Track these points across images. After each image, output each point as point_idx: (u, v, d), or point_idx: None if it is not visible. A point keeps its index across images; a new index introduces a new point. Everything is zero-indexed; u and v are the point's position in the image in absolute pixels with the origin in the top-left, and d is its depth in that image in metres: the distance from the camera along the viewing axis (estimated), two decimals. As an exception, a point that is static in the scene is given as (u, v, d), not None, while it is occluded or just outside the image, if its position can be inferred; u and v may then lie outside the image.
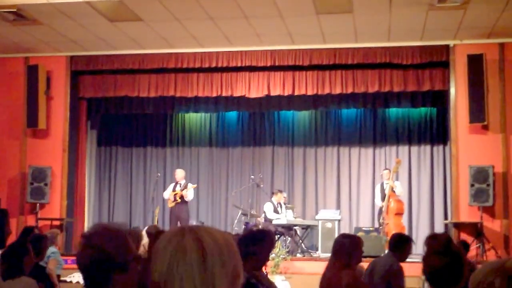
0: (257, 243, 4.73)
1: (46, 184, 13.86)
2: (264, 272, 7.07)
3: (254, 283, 4.52)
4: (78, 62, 14.39)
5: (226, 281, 1.71)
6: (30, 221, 13.81)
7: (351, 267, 5.57)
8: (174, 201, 14.56)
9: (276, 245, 13.03)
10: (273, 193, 14.91)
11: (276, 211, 14.50)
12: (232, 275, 1.74)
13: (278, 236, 14.31)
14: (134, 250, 2.66)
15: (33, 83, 14.00)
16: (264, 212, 14.57)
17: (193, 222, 15.06)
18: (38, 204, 13.87)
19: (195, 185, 15.16)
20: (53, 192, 14.00)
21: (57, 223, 13.80)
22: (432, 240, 4.15)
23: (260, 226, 14.21)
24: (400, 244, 7.25)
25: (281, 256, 12.35)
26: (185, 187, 14.68)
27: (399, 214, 13.69)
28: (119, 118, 16.81)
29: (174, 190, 14.73)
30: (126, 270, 2.59)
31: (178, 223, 14.43)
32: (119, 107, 15.50)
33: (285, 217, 14.36)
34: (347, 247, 5.66)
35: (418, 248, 14.55)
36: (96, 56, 14.23)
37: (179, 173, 15.02)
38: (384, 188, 14.07)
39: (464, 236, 12.69)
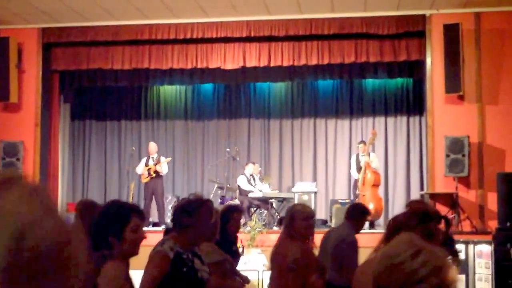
0: (192, 214, 4.40)
1: (18, 159, 13.69)
2: (238, 247, 6.98)
3: (185, 258, 4.31)
4: (50, 34, 14.14)
5: None
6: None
7: (298, 239, 5.45)
8: (148, 176, 14.41)
9: (252, 218, 13.04)
10: (246, 165, 14.84)
11: (249, 183, 14.44)
12: None
13: (254, 209, 14.30)
14: None
15: (4, 56, 13.74)
16: (239, 186, 14.51)
17: (168, 196, 14.96)
18: (10, 179, 13.66)
19: (169, 158, 14.99)
20: (25, 167, 13.80)
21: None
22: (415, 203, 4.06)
23: (237, 200, 14.18)
24: (358, 214, 7.08)
25: (257, 229, 12.32)
26: (158, 161, 14.52)
27: (375, 185, 13.70)
28: (93, 91, 16.61)
29: (147, 164, 14.57)
30: None
31: (153, 197, 14.32)
32: (92, 80, 15.28)
33: (259, 190, 14.32)
34: (287, 218, 5.60)
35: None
36: (69, 28, 14.00)
37: (152, 146, 14.85)
38: (360, 160, 14.06)
39: (439, 207, 12.71)
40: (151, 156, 14.69)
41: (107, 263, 3.53)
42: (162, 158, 14.65)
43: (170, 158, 15.09)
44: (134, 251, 3.70)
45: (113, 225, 3.60)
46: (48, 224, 1.09)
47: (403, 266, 1.82)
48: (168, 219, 13.85)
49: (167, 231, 5.47)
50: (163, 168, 14.52)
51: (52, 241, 1.08)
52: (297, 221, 5.46)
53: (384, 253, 1.92)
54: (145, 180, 14.51)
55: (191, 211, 4.43)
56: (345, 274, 6.13)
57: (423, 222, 3.50)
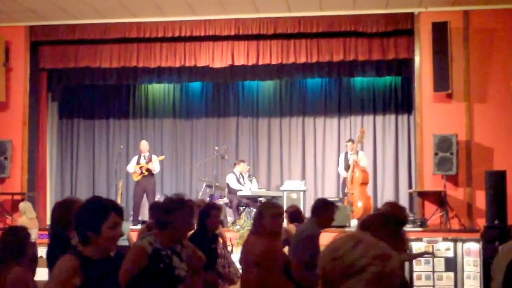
0: (172, 212, 4.51)
1: (6, 158, 13.64)
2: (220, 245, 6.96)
3: (163, 255, 4.39)
4: (37, 32, 14.09)
5: None
6: (-9, 195, 13.58)
7: (266, 236, 5.48)
8: (140, 174, 14.37)
9: (241, 216, 13.01)
10: (235, 164, 14.83)
11: (238, 182, 14.43)
12: None
13: (243, 207, 14.27)
14: None
15: (-9, 54, 13.68)
16: (228, 184, 14.49)
17: (157, 195, 14.92)
18: (-2, 178, 13.64)
19: (162, 157, 14.92)
20: (13, 166, 13.77)
21: (18, 197, 13.55)
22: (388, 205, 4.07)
23: (226, 198, 14.16)
24: (320, 209, 6.97)
25: (246, 227, 12.28)
26: (150, 159, 14.49)
27: (364, 183, 13.70)
28: (81, 90, 16.53)
29: (138, 163, 14.53)
30: None
31: (145, 195, 14.28)
32: (80, 78, 15.21)
33: (248, 188, 14.31)
34: (256, 215, 5.65)
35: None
36: (56, 26, 13.95)
37: (144, 145, 14.83)
38: (348, 158, 14.06)
39: (427, 205, 12.78)
40: (142, 154, 14.65)
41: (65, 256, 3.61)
42: (154, 157, 14.61)
43: (163, 157, 15.00)
44: (110, 247, 3.75)
45: (91, 220, 3.64)
46: None
47: (344, 257, 1.90)
48: (141, 218, 13.86)
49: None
50: (155, 167, 14.49)
51: None
52: (265, 218, 5.52)
53: (328, 247, 1.99)
54: (136, 178, 14.46)
55: (172, 210, 4.51)
56: (294, 268, 6.09)
57: (388, 224, 3.57)
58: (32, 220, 11.39)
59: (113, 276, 3.77)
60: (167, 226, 4.48)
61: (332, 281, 1.92)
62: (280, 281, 5.36)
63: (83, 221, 3.67)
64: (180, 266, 4.46)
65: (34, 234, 10.09)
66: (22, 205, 11.93)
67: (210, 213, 6.93)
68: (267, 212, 5.56)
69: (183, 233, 4.63)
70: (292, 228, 8.78)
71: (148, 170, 14.32)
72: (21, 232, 5.35)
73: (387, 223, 3.61)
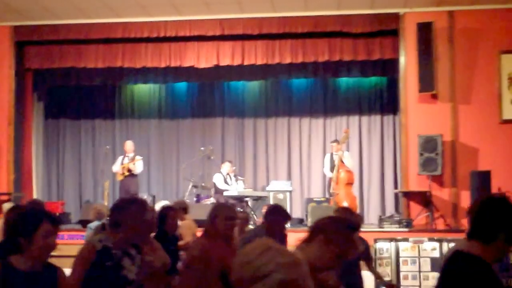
0: (122, 212, 4.45)
1: (-9, 158, 13.57)
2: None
3: (113, 253, 4.32)
4: (22, 32, 14.04)
5: None
6: (-23, 196, 13.52)
7: (217, 238, 5.42)
8: (122, 174, 14.36)
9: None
10: (222, 163, 14.82)
11: (226, 182, 14.41)
12: None
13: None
14: None
15: (-24, 54, 13.62)
16: (214, 184, 14.47)
17: (144, 195, 14.86)
18: (-16, 179, 13.58)
19: (140, 158, 14.86)
20: (-1, 166, 13.72)
21: (5, 197, 13.49)
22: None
23: (212, 198, 14.13)
24: (267, 214, 7.01)
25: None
26: (133, 159, 14.46)
27: (349, 184, 13.68)
28: (67, 90, 16.47)
29: (122, 163, 14.51)
30: None
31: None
32: (66, 78, 15.17)
33: (235, 188, 14.29)
34: (209, 217, 5.58)
35: (371, 218, 14.74)
36: (41, 26, 13.90)
37: (129, 145, 14.80)
38: (334, 159, 14.05)
39: (413, 205, 12.79)
40: (127, 155, 14.62)
41: None
42: (138, 157, 14.58)
43: (141, 158, 14.91)
44: (42, 257, 3.70)
45: (24, 226, 3.62)
46: None
47: (252, 263, 1.98)
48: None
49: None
50: (137, 167, 14.46)
51: None
52: (219, 220, 5.44)
53: (240, 252, 2.06)
54: (119, 178, 14.47)
55: (122, 209, 4.47)
56: None
57: (340, 229, 3.60)
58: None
59: None
60: (118, 225, 4.41)
61: (241, 285, 1.99)
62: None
63: (16, 227, 3.63)
64: (130, 268, 4.39)
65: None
66: (6, 206, 11.88)
67: (167, 214, 7.00)
68: (222, 214, 5.47)
69: (136, 234, 4.53)
70: None
71: (129, 170, 14.30)
72: None
73: (340, 228, 3.62)
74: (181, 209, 9.12)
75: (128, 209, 4.43)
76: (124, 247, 4.41)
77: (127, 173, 14.31)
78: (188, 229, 8.98)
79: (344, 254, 3.53)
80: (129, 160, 14.48)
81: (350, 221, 3.96)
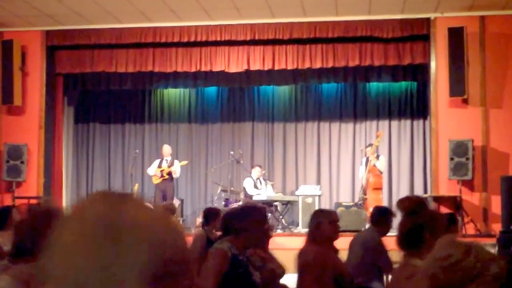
0: (245, 219, 4.59)
1: (22, 162, 13.67)
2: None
3: (241, 260, 4.45)
4: (54, 37, 14.16)
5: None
6: (7, 199, 13.64)
7: (319, 243, 5.48)
8: (161, 177, 14.47)
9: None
10: (252, 167, 14.86)
11: (255, 186, 14.44)
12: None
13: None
14: None
15: (8, 59, 13.75)
16: (244, 188, 14.50)
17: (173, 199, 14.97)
18: (14, 183, 13.68)
19: (185, 162, 15.02)
20: (29, 170, 13.82)
21: (34, 201, 13.59)
22: (403, 202, 4.09)
23: (241, 202, 14.16)
24: (380, 217, 7.21)
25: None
26: (172, 163, 14.58)
27: (377, 189, 13.67)
28: (97, 94, 16.60)
29: (160, 166, 14.62)
30: None
31: (163, 200, 14.34)
32: (96, 83, 15.29)
33: (265, 192, 14.31)
34: (310, 223, 5.65)
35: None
36: (72, 30, 14.00)
37: (166, 149, 14.96)
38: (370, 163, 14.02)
39: (443, 210, 12.71)
40: (164, 158, 14.75)
41: None
42: (176, 161, 14.72)
43: (186, 162, 15.07)
44: None
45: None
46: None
47: (460, 264, 1.97)
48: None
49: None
50: (177, 171, 14.60)
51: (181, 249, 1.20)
52: (324, 226, 5.51)
53: (434, 256, 2.05)
54: (156, 181, 14.58)
55: (245, 216, 4.61)
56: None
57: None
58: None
59: None
60: (240, 232, 4.53)
61: (450, 287, 1.98)
62: None
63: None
64: (255, 273, 4.54)
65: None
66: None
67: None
68: (325, 219, 5.55)
69: (258, 241, 4.67)
70: None
71: (169, 173, 14.42)
72: None
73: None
74: (168, 210, 9.44)
75: (251, 216, 4.55)
76: (246, 254, 4.54)
77: (166, 176, 14.44)
78: None
79: None
80: (168, 163, 14.58)
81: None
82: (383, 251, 6.93)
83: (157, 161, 14.88)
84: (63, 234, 1.16)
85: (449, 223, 6.53)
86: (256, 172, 14.65)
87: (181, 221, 13.90)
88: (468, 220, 12.45)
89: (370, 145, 14.35)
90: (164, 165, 14.63)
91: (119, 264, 1.12)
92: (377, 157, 13.94)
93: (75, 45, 14.17)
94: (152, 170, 14.74)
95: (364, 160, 14.52)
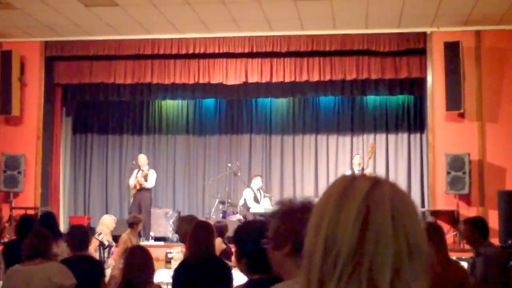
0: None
1: (19, 172, 13.68)
2: None
3: None
4: (52, 48, 14.21)
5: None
6: (4, 210, 13.63)
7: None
8: (134, 188, 14.36)
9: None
10: (252, 178, 14.81)
11: (256, 198, 14.35)
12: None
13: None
14: None
15: (7, 69, 13.80)
16: (244, 199, 14.43)
17: (169, 211, 14.91)
18: (11, 193, 13.68)
19: (149, 171, 14.69)
20: (27, 181, 13.83)
21: (31, 212, 13.58)
22: None
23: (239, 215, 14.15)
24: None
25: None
26: (146, 174, 14.40)
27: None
28: (95, 105, 16.63)
29: (136, 176, 14.50)
30: None
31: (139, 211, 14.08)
32: (94, 93, 15.33)
33: (262, 205, 14.28)
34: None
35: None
36: (71, 41, 14.06)
37: (141, 158, 14.74)
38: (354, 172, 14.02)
39: (440, 224, 12.64)
40: (141, 169, 14.62)
41: None
42: (151, 171, 14.57)
43: (150, 171, 14.82)
44: None
45: None
46: None
47: None
48: (153, 234, 13.82)
49: None
50: (149, 181, 14.40)
51: None
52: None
53: None
54: (132, 192, 14.45)
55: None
56: None
57: None
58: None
59: None
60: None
61: None
62: None
63: None
64: None
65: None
66: None
67: None
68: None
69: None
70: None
71: (140, 184, 14.32)
72: None
73: None
74: (128, 223, 10.31)
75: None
76: None
77: (138, 187, 14.35)
78: (123, 244, 9.63)
79: None
80: (143, 174, 14.51)
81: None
82: None
83: (135, 172, 14.71)
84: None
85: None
86: (256, 182, 14.59)
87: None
88: (464, 234, 12.43)
89: (358, 154, 14.45)
90: (139, 175, 14.50)
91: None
92: (362, 169, 13.90)
93: (74, 56, 14.22)
94: (132, 181, 14.58)
95: (348, 172, 14.46)
